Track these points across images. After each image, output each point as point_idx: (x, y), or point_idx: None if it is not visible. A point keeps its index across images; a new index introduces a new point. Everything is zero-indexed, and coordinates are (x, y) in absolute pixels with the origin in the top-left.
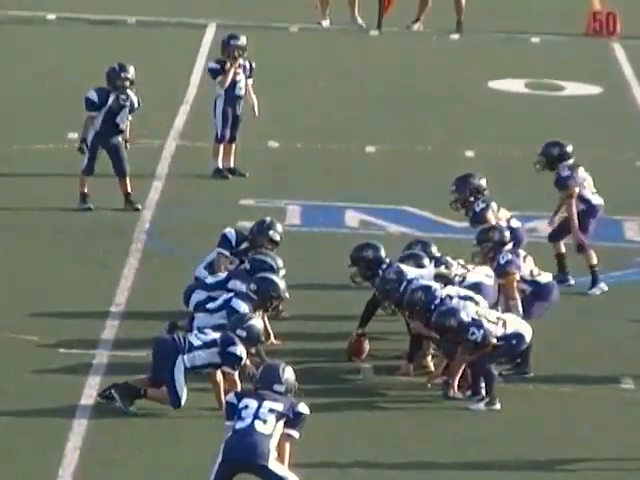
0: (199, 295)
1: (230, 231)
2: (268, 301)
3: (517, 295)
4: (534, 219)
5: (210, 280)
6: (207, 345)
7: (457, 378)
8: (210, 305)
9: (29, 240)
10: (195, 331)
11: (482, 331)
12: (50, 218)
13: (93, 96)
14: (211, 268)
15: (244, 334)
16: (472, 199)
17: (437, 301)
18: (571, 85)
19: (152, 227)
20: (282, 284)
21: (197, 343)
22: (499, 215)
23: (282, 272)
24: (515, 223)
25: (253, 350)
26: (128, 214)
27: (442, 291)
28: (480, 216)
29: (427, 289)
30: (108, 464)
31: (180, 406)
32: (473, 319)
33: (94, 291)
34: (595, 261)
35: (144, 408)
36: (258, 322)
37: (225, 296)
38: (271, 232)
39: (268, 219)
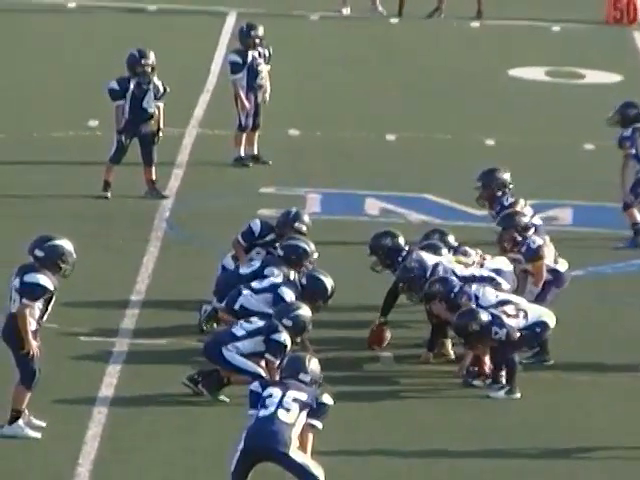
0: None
1: (255, 222)
2: (314, 301)
3: (540, 283)
4: (553, 207)
5: (244, 270)
6: (251, 334)
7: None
8: (256, 285)
9: (49, 228)
10: (240, 321)
11: (504, 329)
12: (70, 206)
13: (114, 85)
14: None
15: (290, 323)
16: (499, 194)
17: (456, 289)
18: (591, 73)
19: (172, 215)
20: (332, 288)
21: (241, 333)
22: (524, 212)
23: (315, 255)
24: (537, 221)
25: (298, 339)
26: (148, 202)
27: (464, 271)
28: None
29: (444, 280)
30: (127, 452)
31: (263, 377)
32: (493, 317)
33: (114, 279)
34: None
35: (162, 395)
36: (305, 312)
37: (273, 279)
38: (297, 224)
39: (294, 210)
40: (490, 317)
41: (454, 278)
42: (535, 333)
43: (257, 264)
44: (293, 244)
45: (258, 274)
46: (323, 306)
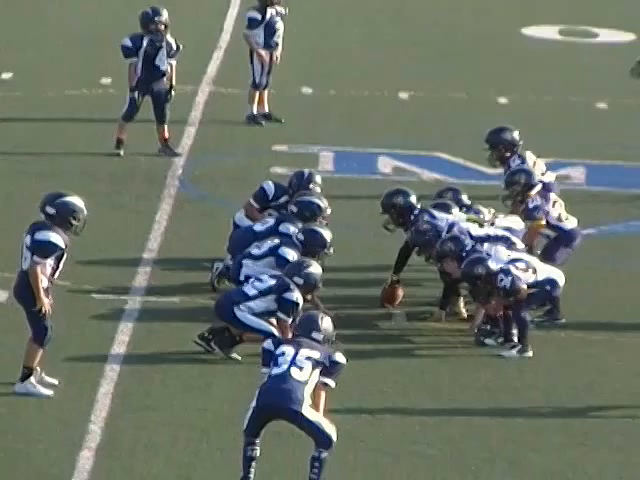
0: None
1: (269, 184)
2: (315, 254)
3: (534, 242)
4: (566, 166)
5: (259, 228)
6: (263, 293)
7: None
8: (255, 251)
9: (61, 186)
10: (252, 279)
11: (510, 277)
12: (83, 164)
13: (127, 42)
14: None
15: (301, 281)
16: (508, 154)
17: (468, 248)
18: (604, 32)
19: (185, 173)
20: (329, 237)
21: (252, 292)
22: (535, 169)
23: (328, 211)
24: (549, 177)
25: (309, 297)
26: (161, 160)
27: (479, 231)
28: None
29: (456, 239)
30: (139, 410)
31: (275, 335)
32: (501, 267)
33: (126, 237)
34: None
35: (174, 353)
36: (316, 269)
37: (270, 243)
38: (311, 185)
39: (307, 171)
40: (497, 267)
41: (466, 237)
42: (545, 291)
43: (272, 221)
44: (307, 200)
45: (273, 231)
46: (326, 256)
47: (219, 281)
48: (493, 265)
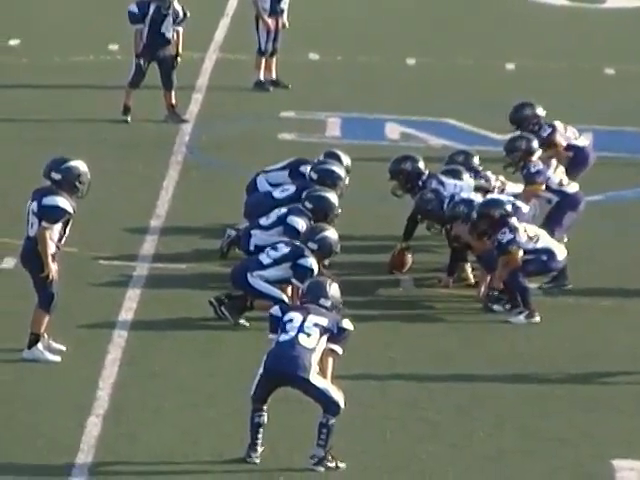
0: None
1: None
2: (326, 218)
3: (532, 203)
4: None
5: (279, 194)
6: (278, 261)
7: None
8: (263, 221)
9: (69, 152)
10: (268, 248)
11: (512, 235)
12: (90, 130)
13: (134, 8)
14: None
15: (315, 246)
16: (536, 128)
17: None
18: None
19: (192, 140)
20: (337, 201)
21: (267, 261)
22: (567, 135)
23: (346, 181)
24: (582, 142)
25: (326, 262)
26: (169, 126)
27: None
28: (549, 141)
29: (469, 202)
30: (147, 376)
31: (285, 302)
32: (511, 225)
33: (134, 203)
34: None
35: (181, 319)
36: (331, 233)
37: (278, 212)
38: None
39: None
40: (514, 220)
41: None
42: (540, 260)
43: (292, 189)
44: (328, 168)
45: (294, 199)
46: (335, 220)
47: (229, 248)
48: (508, 207)
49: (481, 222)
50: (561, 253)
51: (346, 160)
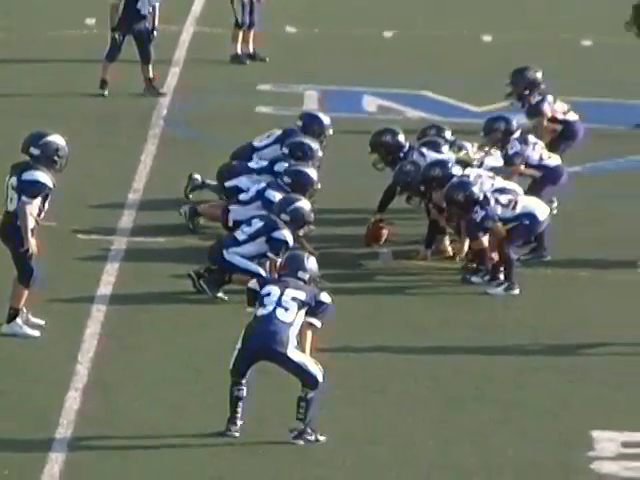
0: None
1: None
2: (305, 191)
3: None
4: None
5: (257, 143)
6: (252, 237)
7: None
8: (243, 196)
9: (46, 126)
10: (242, 225)
11: (484, 212)
12: (67, 104)
13: None
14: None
15: (288, 218)
16: (527, 92)
17: (454, 173)
18: None
19: (170, 113)
20: (315, 176)
21: (242, 237)
22: (555, 107)
23: (330, 131)
24: (572, 116)
25: (301, 232)
26: (146, 100)
27: (463, 172)
28: (536, 109)
29: (444, 164)
30: (126, 350)
31: (263, 276)
32: (484, 198)
33: (112, 177)
34: None
35: (160, 293)
36: (304, 204)
37: (257, 187)
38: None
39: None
40: (480, 196)
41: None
42: (524, 225)
43: (265, 163)
44: (298, 141)
45: (268, 170)
46: (314, 194)
47: (193, 222)
48: (475, 192)
49: (451, 208)
50: (543, 212)
51: (326, 120)
